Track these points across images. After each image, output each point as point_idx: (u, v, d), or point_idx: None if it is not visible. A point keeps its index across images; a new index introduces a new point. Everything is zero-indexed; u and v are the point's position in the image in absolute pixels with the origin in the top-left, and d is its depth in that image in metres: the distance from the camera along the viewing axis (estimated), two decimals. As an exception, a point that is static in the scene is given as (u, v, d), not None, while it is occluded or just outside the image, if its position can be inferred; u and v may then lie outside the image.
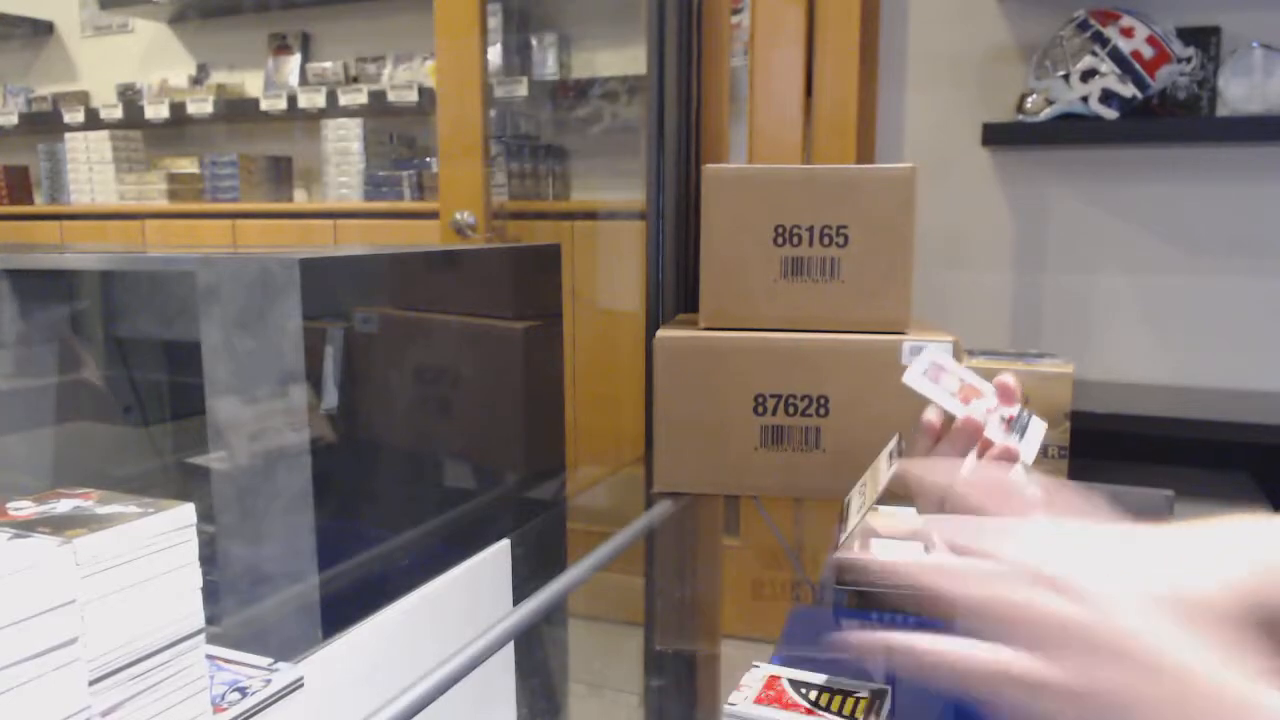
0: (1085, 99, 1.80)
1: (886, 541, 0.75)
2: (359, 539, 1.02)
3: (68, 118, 3.52)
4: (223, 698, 0.52)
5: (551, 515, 1.39)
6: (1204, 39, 1.87)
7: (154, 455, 1.39)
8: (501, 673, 0.93)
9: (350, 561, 0.99)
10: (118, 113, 3.43)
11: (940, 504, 0.61)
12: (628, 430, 2.03)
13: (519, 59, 2.89)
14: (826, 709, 0.58)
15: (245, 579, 0.95)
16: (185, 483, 1.24)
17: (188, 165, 3.37)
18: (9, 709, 0.40)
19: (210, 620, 0.52)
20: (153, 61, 3.58)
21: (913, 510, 0.71)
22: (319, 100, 3.12)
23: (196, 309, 0.94)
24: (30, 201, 3.73)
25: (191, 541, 0.49)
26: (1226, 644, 0.35)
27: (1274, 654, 0.34)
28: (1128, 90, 1.78)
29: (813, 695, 0.59)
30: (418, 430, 1.14)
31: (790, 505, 1.33)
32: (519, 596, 0.93)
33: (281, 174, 3.36)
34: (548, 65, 2.87)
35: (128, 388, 1.37)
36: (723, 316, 1.10)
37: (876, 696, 0.59)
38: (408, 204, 2.95)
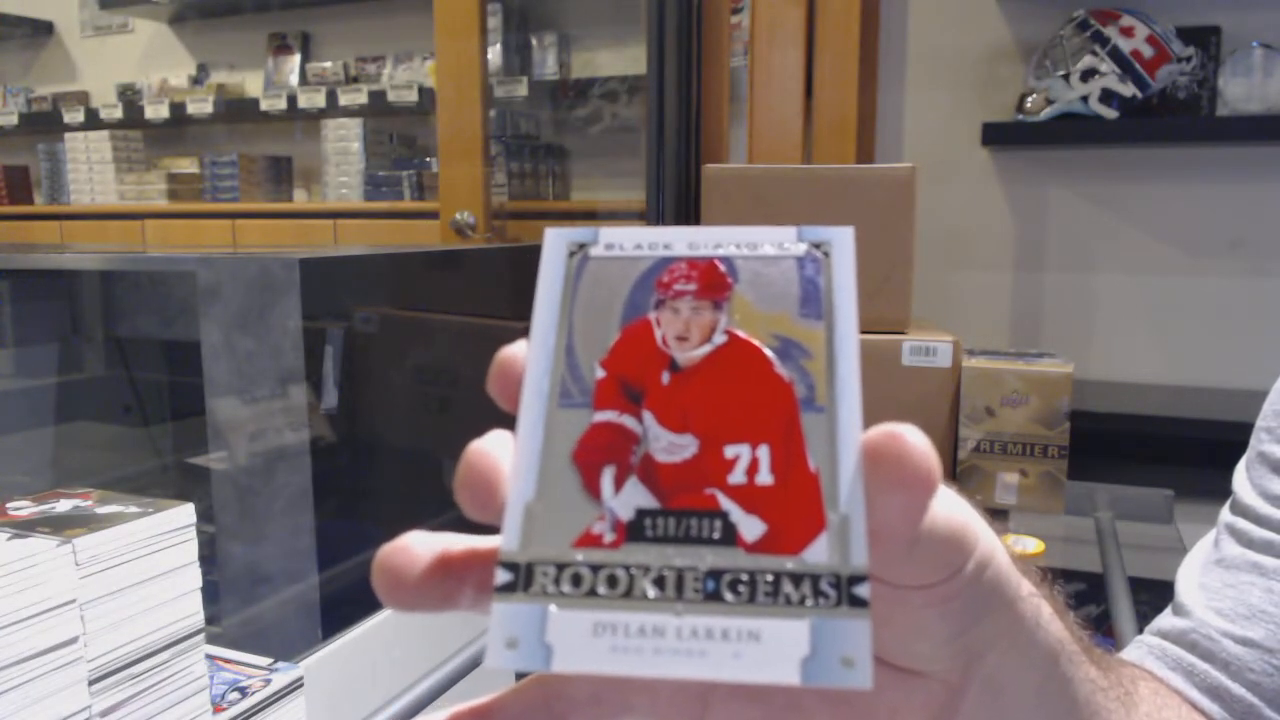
0: (1085, 99, 1.80)
1: None
2: (359, 539, 1.02)
3: (68, 118, 3.52)
4: (223, 697, 0.52)
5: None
6: (1204, 39, 1.87)
7: (154, 455, 1.39)
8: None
9: (350, 561, 0.99)
10: (118, 113, 3.42)
11: None
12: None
13: (519, 59, 2.89)
14: None
15: (245, 579, 0.95)
16: (185, 483, 1.24)
17: (188, 165, 3.37)
18: (9, 709, 0.40)
19: (210, 620, 0.52)
20: (153, 61, 3.57)
21: None
22: (319, 100, 3.11)
23: (196, 309, 0.94)
24: (30, 201, 3.73)
25: (191, 541, 0.49)
26: None
27: None
28: (1128, 90, 1.78)
29: None
30: (418, 430, 1.14)
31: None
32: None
33: (281, 174, 3.36)
34: (548, 65, 2.87)
35: (128, 388, 1.37)
36: (723, 316, 1.10)
37: None
38: (408, 204, 2.95)
